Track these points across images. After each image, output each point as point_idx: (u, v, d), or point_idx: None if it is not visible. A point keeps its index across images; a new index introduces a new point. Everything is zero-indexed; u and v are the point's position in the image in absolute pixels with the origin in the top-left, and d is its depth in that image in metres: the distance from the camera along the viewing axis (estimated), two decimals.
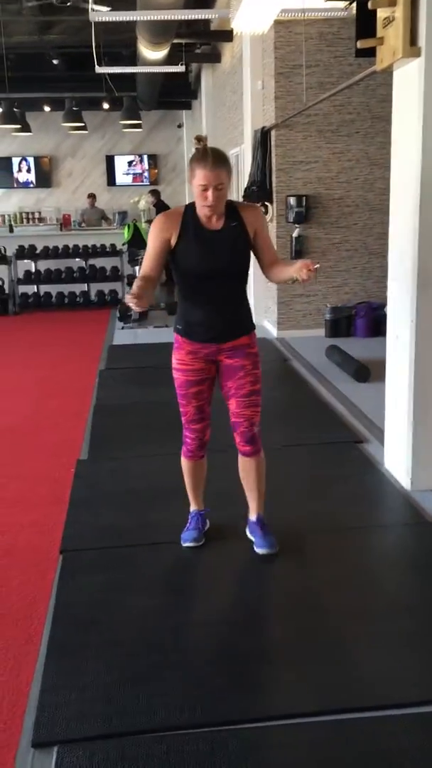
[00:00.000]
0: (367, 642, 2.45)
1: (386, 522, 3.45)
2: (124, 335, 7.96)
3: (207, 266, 2.81)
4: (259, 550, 3.05)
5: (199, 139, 2.79)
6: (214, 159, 2.70)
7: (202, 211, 2.79)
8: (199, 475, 3.16)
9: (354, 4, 6.11)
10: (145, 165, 16.63)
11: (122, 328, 8.33)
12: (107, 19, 7.18)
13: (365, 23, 5.58)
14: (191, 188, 2.80)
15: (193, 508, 3.23)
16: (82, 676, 2.29)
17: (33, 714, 2.14)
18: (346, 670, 2.32)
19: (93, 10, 6.76)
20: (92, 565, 3.01)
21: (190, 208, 2.84)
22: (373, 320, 7.17)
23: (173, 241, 2.81)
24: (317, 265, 2.69)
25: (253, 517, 3.13)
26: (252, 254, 2.93)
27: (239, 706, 2.16)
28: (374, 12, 3.50)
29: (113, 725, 2.08)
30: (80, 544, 3.18)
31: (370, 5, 3.33)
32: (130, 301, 2.63)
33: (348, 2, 6.29)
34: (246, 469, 3.08)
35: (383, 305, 7.14)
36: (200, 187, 2.70)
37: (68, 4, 8.19)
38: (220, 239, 2.81)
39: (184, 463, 3.14)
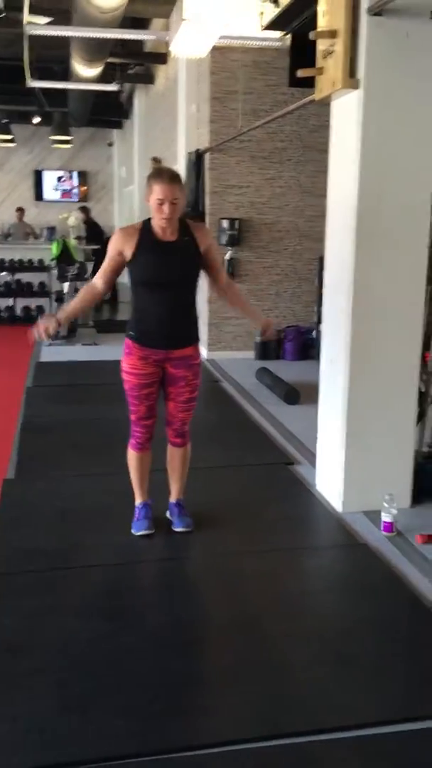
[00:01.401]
0: (305, 665, 2.44)
1: (319, 544, 3.47)
2: (51, 352, 7.80)
3: (161, 275, 3.07)
4: (176, 529, 3.35)
5: (155, 159, 3.11)
6: (170, 176, 3.01)
7: (158, 224, 3.03)
8: (145, 467, 3.37)
9: (289, 35, 6.28)
10: (75, 181, 16.50)
11: (49, 344, 8.16)
12: (42, 33, 7.09)
13: (300, 54, 5.76)
14: (147, 205, 3.05)
15: (139, 501, 3.40)
16: (11, 707, 2.19)
17: None
18: (286, 694, 2.30)
19: (29, 23, 6.67)
20: (20, 589, 2.90)
21: (147, 223, 3.10)
22: (301, 344, 7.29)
23: (128, 254, 3.07)
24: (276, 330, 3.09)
25: (173, 500, 3.44)
26: (202, 271, 3.20)
27: (179, 732, 2.10)
28: (309, 43, 3.59)
29: (48, 757, 1.99)
30: (7, 567, 3.06)
31: (311, 36, 3.42)
32: (37, 327, 3.03)
33: (283, 33, 6.45)
34: (173, 456, 3.38)
35: (311, 329, 7.30)
36: (157, 201, 2.97)
37: (2, 15, 8.06)
38: (174, 251, 3.07)
39: (132, 455, 3.35)
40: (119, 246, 3.08)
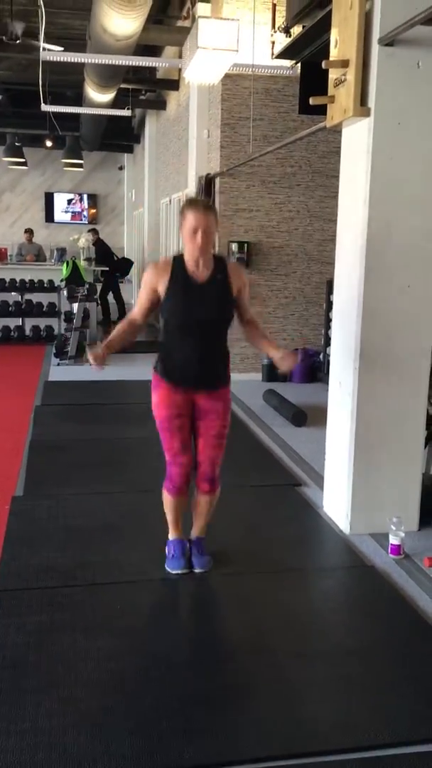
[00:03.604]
0: (314, 686, 2.44)
1: (326, 565, 3.47)
2: (60, 372, 7.85)
3: (192, 316, 3.00)
4: (196, 570, 3.22)
5: (189, 195, 3.00)
6: (204, 205, 3.00)
7: (191, 255, 2.98)
8: (181, 509, 3.27)
9: (299, 64, 6.39)
10: (85, 204, 16.69)
11: (58, 364, 8.22)
12: (57, 59, 7.24)
13: (310, 82, 5.86)
14: (181, 236, 3.00)
15: (173, 536, 3.30)
16: (19, 722, 2.19)
17: None
18: (294, 714, 2.30)
19: (44, 49, 6.81)
20: (29, 605, 2.90)
21: (178, 259, 3.04)
22: (309, 366, 7.32)
23: (161, 290, 3.00)
24: (297, 360, 3.10)
25: (194, 536, 3.32)
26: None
27: (187, 752, 2.10)
28: (319, 71, 3.66)
29: None
30: (16, 583, 3.07)
31: (324, 65, 3.49)
32: (91, 358, 3.01)
33: (294, 61, 6.57)
34: (201, 502, 3.26)
35: (319, 352, 7.34)
36: (191, 230, 2.92)
37: (18, 42, 8.23)
38: (206, 291, 3.01)
39: (168, 499, 3.23)
40: (153, 282, 3.01)
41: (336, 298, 3.86)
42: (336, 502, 3.83)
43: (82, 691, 2.36)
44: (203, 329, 3.03)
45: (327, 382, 3.96)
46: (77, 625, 2.76)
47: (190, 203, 3.01)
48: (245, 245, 7.19)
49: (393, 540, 3.41)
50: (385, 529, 3.49)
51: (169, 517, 3.27)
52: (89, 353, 3.03)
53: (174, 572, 3.20)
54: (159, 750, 2.10)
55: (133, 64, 7.59)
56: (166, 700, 2.33)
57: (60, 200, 16.54)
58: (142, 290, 3.08)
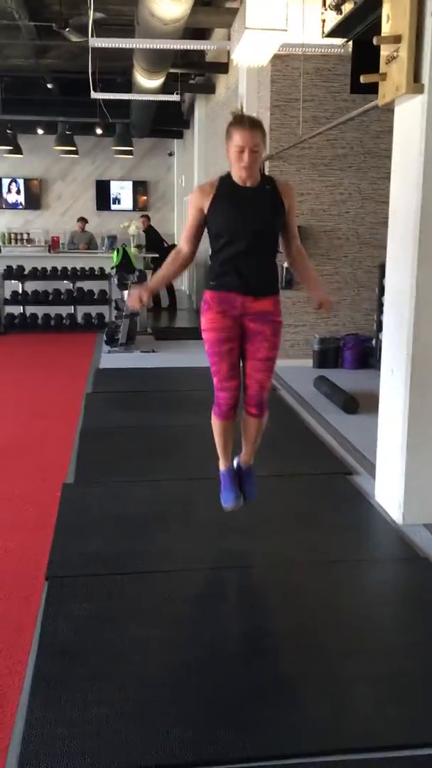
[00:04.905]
0: (362, 680, 2.39)
1: (378, 556, 3.40)
2: (110, 359, 7.91)
3: (241, 220, 2.98)
4: (249, 500, 3.36)
5: (235, 111, 2.98)
6: (250, 122, 2.90)
7: (237, 173, 2.95)
8: (229, 435, 3.28)
9: (351, 42, 6.23)
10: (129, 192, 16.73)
11: (109, 352, 8.28)
12: (106, 46, 7.23)
13: (362, 60, 5.70)
14: (227, 156, 2.97)
15: (223, 466, 3.34)
16: (69, 711, 2.21)
17: (17, 749, 2.05)
18: (345, 710, 2.25)
19: (93, 36, 6.81)
20: (79, 593, 2.92)
21: (225, 178, 3.02)
22: (360, 352, 7.20)
23: (207, 208, 2.99)
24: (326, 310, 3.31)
25: (245, 464, 3.37)
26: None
27: (234, 744, 2.08)
28: (372, 49, 3.55)
29: (102, 762, 1.99)
30: (67, 571, 3.10)
31: (375, 41, 3.38)
32: (129, 300, 3.05)
33: (345, 39, 6.40)
34: (249, 425, 3.29)
35: (371, 338, 7.20)
36: (237, 149, 2.87)
37: (67, 30, 8.25)
38: (255, 196, 2.99)
39: (216, 423, 3.25)
40: (198, 203, 3.02)
41: (388, 283, 3.76)
42: (388, 491, 3.75)
43: (131, 681, 2.36)
44: (254, 236, 2.99)
45: (379, 369, 3.87)
46: (126, 614, 2.77)
47: (236, 120, 2.92)
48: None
49: None
50: None
51: (218, 442, 3.30)
52: (129, 295, 3.14)
53: (228, 508, 3.31)
54: (206, 741, 2.08)
55: (181, 47, 7.53)
56: (215, 693, 2.31)
57: (113, 188, 16.63)
58: (189, 214, 3.09)
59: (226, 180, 3.02)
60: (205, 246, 3.19)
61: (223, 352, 3.10)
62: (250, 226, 2.99)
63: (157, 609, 2.83)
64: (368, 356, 7.16)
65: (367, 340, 7.27)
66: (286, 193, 3.06)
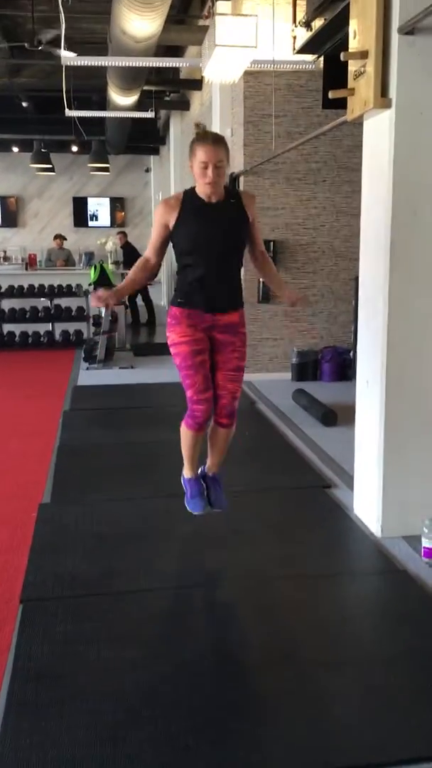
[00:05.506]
0: (346, 696, 2.37)
1: (357, 569, 3.39)
2: (89, 376, 7.86)
3: (207, 234, 3.02)
4: (215, 509, 3.40)
5: (198, 124, 3.02)
6: (214, 138, 2.96)
7: (203, 190, 2.99)
8: (198, 445, 3.32)
9: (321, 58, 6.30)
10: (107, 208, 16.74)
11: (87, 368, 8.24)
12: (79, 64, 7.25)
13: (333, 76, 5.77)
14: (191, 172, 3.00)
15: (189, 474, 3.37)
16: (44, 735, 2.16)
17: None
18: (326, 726, 2.22)
19: (61, 55, 6.82)
20: (55, 615, 2.88)
21: (190, 191, 3.06)
22: (339, 364, 7.22)
23: (172, 223, 3.03)
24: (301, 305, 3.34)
25: (211, 472, 3.43)
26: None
27: (214, 765, 2.04)
28: (342, 65, 3.58)
29: None
30: (42, 593, 3.05)
31: (342, 57, 3.41)
32: (93, 299, 3.12)
33: (316, 55, 6.48)
34: (218, 435, 3.34)
35: (349, 350, 7.22)
36: (201, 165, 2.92)
37: (40, 48, 8.26)
38: (219, 211, 3.04)
39: (187, 434, 3.26)
40: (162, 219, 3.07)
41: (361, 295, 3.78)
42: (367, 504, 3.74)
43: (107, 703, 2.32)
44: (219, 250, 3.08)
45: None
46: (103, 635, 2.73)
47: (199, 137, 2.96)
48: (271, 243, 7.10)
49: (426, 543, 3.31)
50: (418, 532, 3.38)
51: (187, 453, 3.32)
52: (92, 296, 3.15)
53: (197, 513, 3.36)
54: (185, 762, 2.05)
55: (153, 65, 7.56)
56: (193, 711, 2.28)
57: (90, 204, 16.63)
58: (154, 228, 3.15)
59: (190, 195, 3.06)
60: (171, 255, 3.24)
61: (196, 365, 3.13)
62: (215, 247, 3.06)
63: (135, 630, 2.79)
64: (346, 368, 7.18)
65: (345, 352, 7.30)
66: (248, 204, 3.13)
